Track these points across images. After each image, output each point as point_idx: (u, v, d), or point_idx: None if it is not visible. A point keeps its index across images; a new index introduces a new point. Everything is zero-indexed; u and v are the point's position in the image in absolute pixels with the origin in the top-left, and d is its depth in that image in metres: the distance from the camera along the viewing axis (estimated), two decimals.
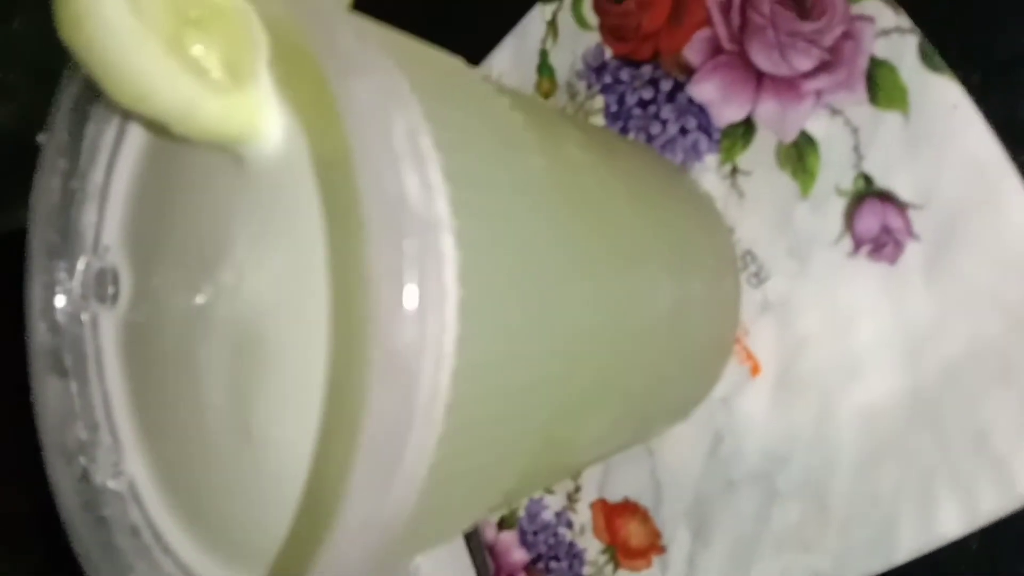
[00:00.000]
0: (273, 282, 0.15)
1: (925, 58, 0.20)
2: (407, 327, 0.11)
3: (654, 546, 0.25)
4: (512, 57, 0.28)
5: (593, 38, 0.26)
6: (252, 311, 0.16)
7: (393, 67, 0.13)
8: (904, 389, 0.20)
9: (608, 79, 0.26)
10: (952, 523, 0.19)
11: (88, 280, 0.19)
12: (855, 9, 0.21)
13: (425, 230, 0.12)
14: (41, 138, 0.18)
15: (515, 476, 0.16)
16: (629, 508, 0.26)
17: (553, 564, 0.27)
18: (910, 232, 0.20)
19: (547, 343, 0.14)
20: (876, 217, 0.21)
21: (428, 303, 0.11)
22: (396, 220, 0.11)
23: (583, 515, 0.27)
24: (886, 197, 0.21)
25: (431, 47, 0.16)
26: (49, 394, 0.18)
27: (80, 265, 0.19)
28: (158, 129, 0.16)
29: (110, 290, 0.19)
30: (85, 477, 0.18)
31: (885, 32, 0.20)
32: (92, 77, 0.14)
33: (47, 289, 0.19)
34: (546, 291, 0.14)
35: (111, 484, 0.18)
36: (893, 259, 0.21)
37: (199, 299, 0.16)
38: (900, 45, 0.20)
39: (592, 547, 0.26)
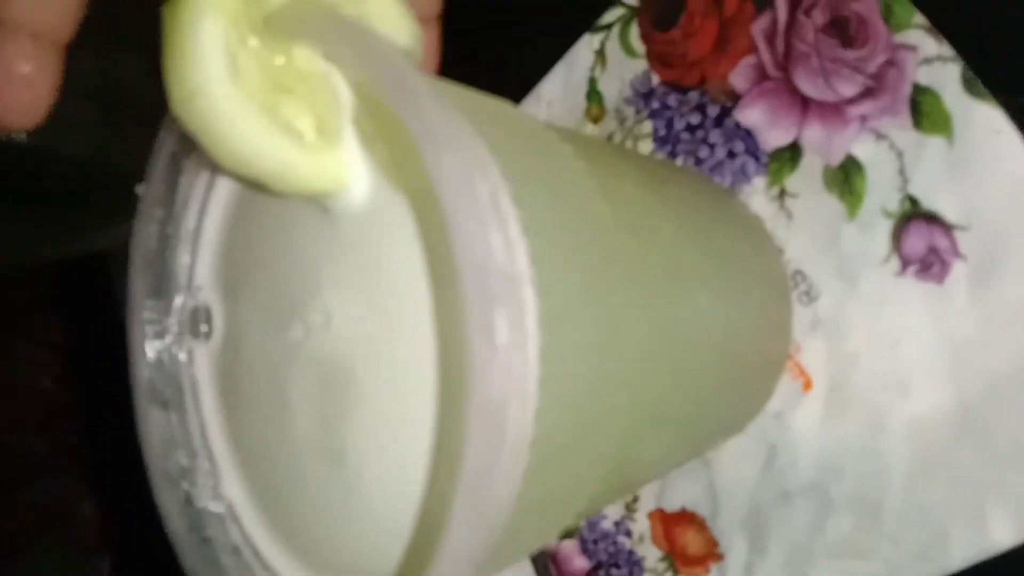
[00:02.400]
0: (361, 324, 0.17)
1: (968, 85, 0.21)
2: (497, 377, 0.12)
3: (712, 554, 0.26)
4: (562, 84, 0.29)
5: (640, 65, 0.27)
6: (341, 350, 0.17)
7: (472, 132, 0.14)
8: (952, 404, 0.21)
9: (656, 104, 0.27)
10: (1004, 533, 0.20)
11: (183, 318, 0.21)
12: (898, 38, 0.22)
13: (509, 284, 0.13)
14: (139, 189, 0.20)
15: (587, 498, 0.17)
16: (686, 517, 0.27)
17: (613, 571, 0.28)
18: (956, 252, 0.21)
19: (616, 376, 0.16)
20: (923, 238, 0.22)
21: (514, 351, 0.13)
22: (485, 278, 0.13)
23: (641, 524, 0.28)
24: (932, 218, 0.22)
25: (495, 98, 0.17)
26: (152, 425, 0.20)
27: (176, 304, 0.21)
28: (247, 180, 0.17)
29: (203, 327, 0.20)
30: (188, 501, 0.20)
31: (928, 60, 0.21)
32: (201, 146, 0.15)
33: (147, 327, 0.20)
34: (614, 328, 0.15)
35: (211, 506, 0.20)
36: (940, 279, 0.21)
37: (289, 336, 0.18)
38: (943, 73, 0.21)
39: (651, 555, 0.27)
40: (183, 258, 0.21)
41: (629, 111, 0.28)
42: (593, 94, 0.29)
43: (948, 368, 0.21)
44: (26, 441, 0.48)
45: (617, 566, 0.28)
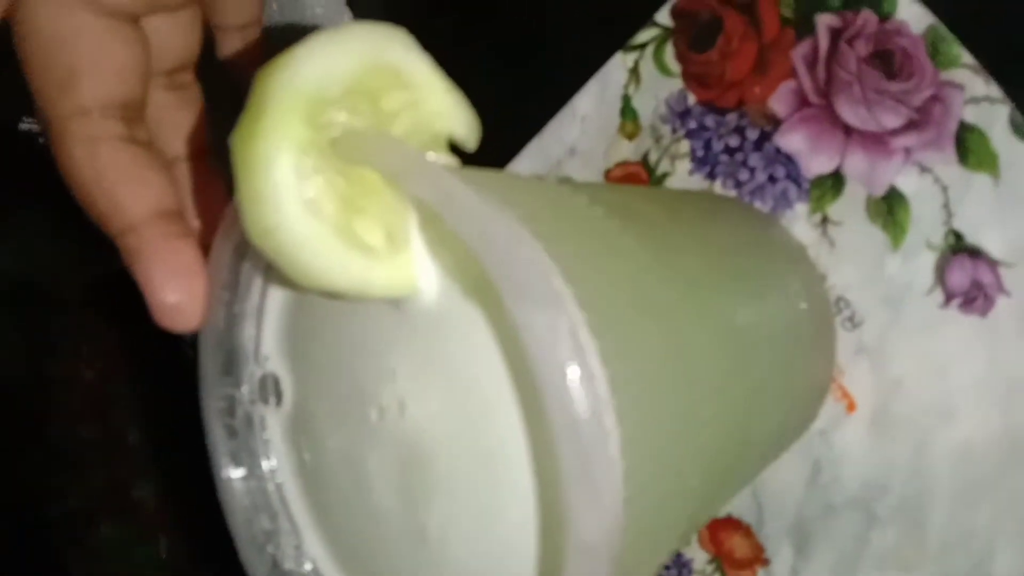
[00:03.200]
0: (436, 413, 0.17)
1: (1016, 128, 0.21)
2: (592, 520, 0.13)
3: (758, 559, 0.27)
4: (596, 99, 0.29)
5: (676, 84, 0.27)
6: (417, 435, 0.18)
7: (550, 264, 0.14)
8: (999, 432, 0.22)
9: (693, 124, 0.27)
10: None
11: (253, 386, 0.21)
12: (944, 75, 0.22)
13: (595, 418, 0.14)
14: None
15: (664, 558, 0.18)
16: (732, 523, 0.28)
17: (663, 572, 0.30)
18: (1001, 288, 0.22)
19: (690, 470, 0.16)
20: (967, 272, 0.22)
21: (604, 485, 0.13)
22: (574, 421, 0.13)
23: None
24: (976, 254, 0.22)
25: (551, 187, 0.18)
26: (234, 493, 0.21)
27: (246, 374, 0.21)
28: None
29: (272, 397, 0.21)
30: (275, 564, 0.21)
31: (975, 100, 0.21)
32: (279, 269, 0.16)
33: (221, 402, 0.21)
34: (688, 429, 0.16)
35: (297, 567, 0.21)
36: (984, 312, 0.22)
37: (364, 416, 0.19)
38: (990, 113, 0.21)
39: (699, 557, 0.29)
40: (249, 331, 0.21)
41: (665, 129, 0.28)
42: (627, 111, 0.28)
43: (996, 397, 0.22)
44: (78, 430, 0.49)
45: (667, 567, 0.30)
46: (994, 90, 0.21)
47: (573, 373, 0.13)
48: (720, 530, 0.28)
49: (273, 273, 0.21)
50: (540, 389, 0.13)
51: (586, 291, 0.15)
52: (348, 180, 0.16)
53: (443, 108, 0.17)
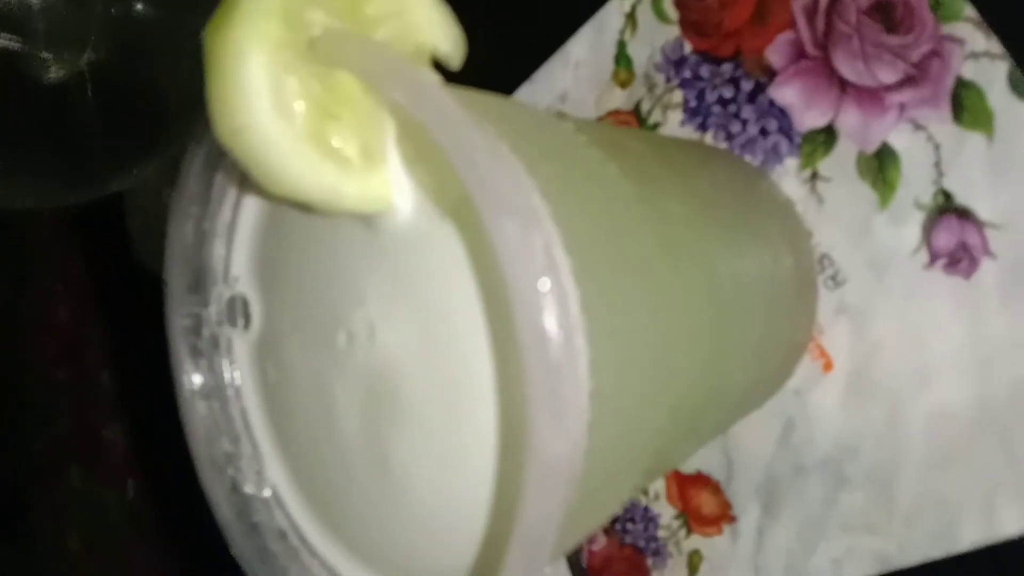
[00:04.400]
0: (406, 341, 0.17)
1: (1014, 85, 0.20)
2: (554, 438, 0.13)
3: (725, 515, 0.27)
4: (589, 46, 0.29)
5: (673, 31, 0.27)
6: (385, 362, 0.17)
7: (525, 180, 0.14)
8: (974, 399, 0.22)
9: (687, 74, 0.26)
10: (1013, 524, 0.21)
11: (221, 307, 0.21)
12: (945, 29, 0.21)
13: (565, 337, 0.13)
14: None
15: (622, 503, 0.18)
16: (701, 480, 0.28)
17: (630, 526, 0.29)
18: (987, 250, 0.21)
19: (659, 404, 0.16)
20: (953, 233, 0.22)
21: (568, 404, 0.13)
22: (542, 335, 0.13)
23: (657, 483, 0.29)
24: (965, 214, 0.22)
25: (535, 110, 0.17)
26: (196, 414, 0.21)
27: (213, 295, 0.21)
28: None
29: (240, 319, 0.21)
30: (234, 487, 0.20)
31: (974, 55, 0.21)
32: (249, 174, 0.15)
33: (187, 320, 0.21)
34: (658, 361, 0.16)
35: (256, 491, 0.21)
36: (968, 274, 0.22)
37: (332, 342, 0.18)
38: (989, 70, 0.20)
39: (666, 512, 0.29)
40: (219, 250, 0.21)
41: (659, 78, 0.27)
42: (622, 58, 0.28)
43: (973, 364, 0.22)
44: (51, 372, 0.49)
45: (633, 521, 0.29)
46: (995, 45, 0.20)
47: (544, 287, 0.13)
48: (689, 486, 0.28)
49: (246, 190, 0.21)
50: (510, 303, 0.13)
51: (563, 211, 0.14)
52: (324, 86, 0.15)
53: (428, 20, 0.17)
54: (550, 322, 0.13)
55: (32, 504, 0.51)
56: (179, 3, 0.35)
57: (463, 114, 0.14)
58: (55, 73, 0.35)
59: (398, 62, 0.15)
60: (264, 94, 0.14)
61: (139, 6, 0.37)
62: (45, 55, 0.35)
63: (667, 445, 0.18)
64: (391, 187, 0.16)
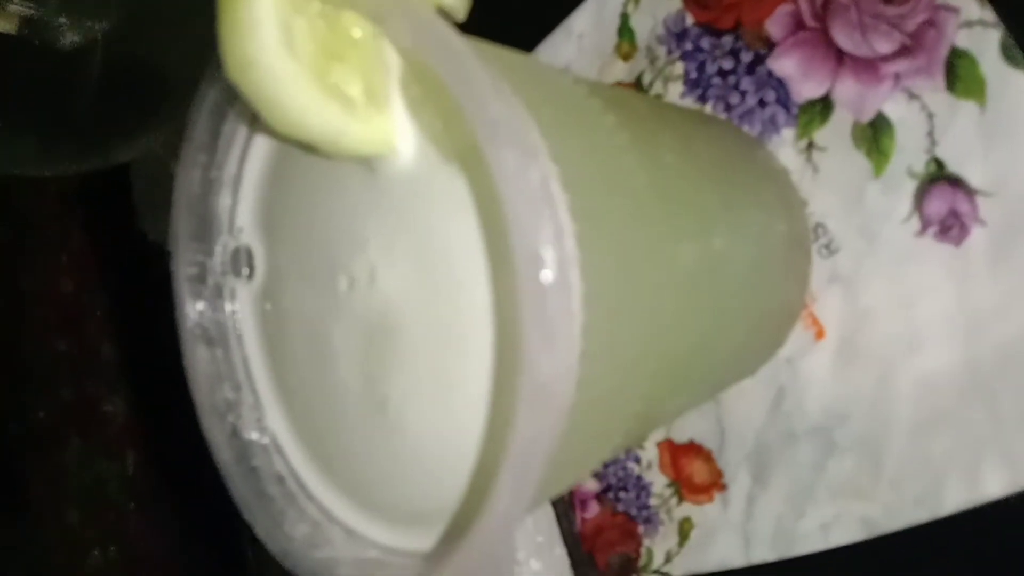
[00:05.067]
0: (406, 284, 0.17)
1: (1007, 53, 0.21)
2: (546, 361, 0.13)
3: (716, 484, 0.28)
4: (593, 18, 0.29)
5: (675, 3, 0.27)
6: (385, 305, 0.18)
7: (525, 117, 0.14)
8: (962, 364, 0.22)
9: (689, 46, 0.27)
10: (996, 486, 0.21)
11: (226, 258, 0.21)
12: None
13: (560, 267, 0.14)
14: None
15: (612, 448, 0.18)
16: (694, 449, 0.28)
17: (622, 494, 0.30)
18: (977, 217, 0.22)
19: (649, 346, 0.16)
20: (945, 201, 0.22)
21: (562, 336, 0.13)
22: (537, 261, 0.13)
23: (650, 452, 0.29)
24: (956, 182, 0.22)
25: (537, 60, 0.17)
26: (198, 361, 0.21)
27: (218, 245, 0.21)
28: None
29: (245, 269, 0.21)
30: (235, 433, 0.21)
31: (968, 24, 0.21)
32: (255, 110, 0.16)
33: (191, 268, 0.21)
34: (648, 300, 0.16)
35: (256, 437, 0.21)
36: (958, 241, 0.22)
37: (333, 287, 0.19)
38: (982, 38, 0.21)
39: (658, 481, 0.29)
40: (225, 200, 0.21)
41: (661, 51, 0.28)
42: (625, 30, 0.28)
43: (962, 329, 0.22)
44: (53, 343, 0.49)
45: (625, 489, 0.30)
46: (988, 14, 0.21)
47: (541, 218, 0.13)
48: (681, 455, 0.28)
49: (252, 141, 0.21)
50: (507, 232, 0.13)
51: (561, 151, 0.15)
52: (331, 27, 0.16)
53: None
54: (544, 248, 0.13)
55: (31, 476, 0.52)
56: None
57: (468, 52, 0.14)
58: (67, 41, 0.35)
59: (406, 2, 0.16)
60: (272, 30, 0.15)
61: None
62: (59, 22, 0.35)
63: (657, 393, 0.18)
64: (394, 130, 0.17)
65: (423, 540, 0.18)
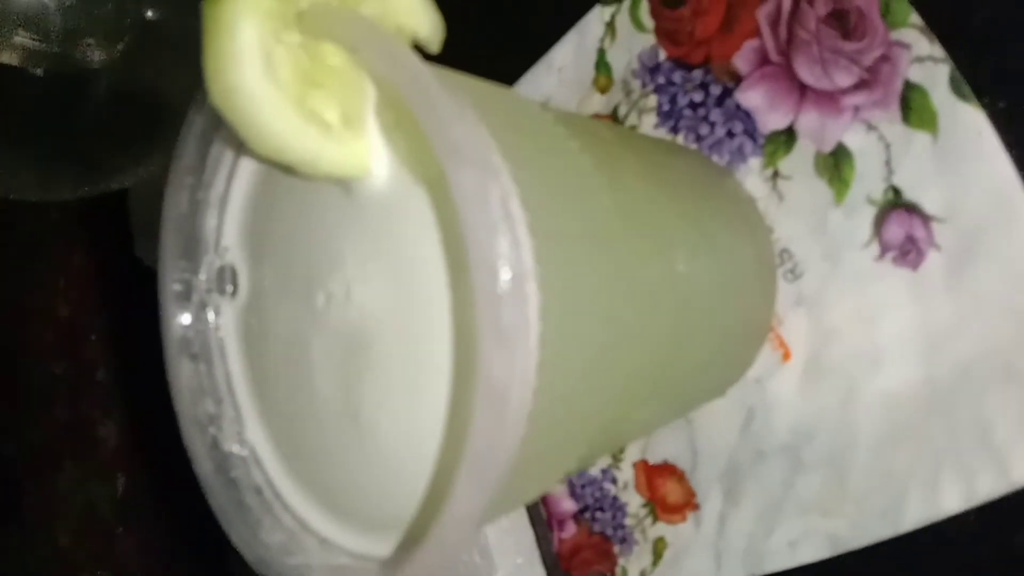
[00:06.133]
0: (379, 299, 0.18)
1: (955, 87, 0.22)
2: (501, 364, 0.14)
3: (689, 503, 0.28)
4: (573, 52, 0.30)
5: (649, 40, 0.28)
6: (360, 319, 0.19)
7: (487, 140, 0.15)
8: (921, 381, 0.23)
9: (661, 79, 0.28)
10: (954, 501, 0.22)
11: (211, 276, 0.22)
12: (894, 35, 0.23)
13: (516, 283, 0.15)
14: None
15: (576, 459, 0.19)
16: (668, 469, 0.29)
17: (598, 514, 0.30)
18: (932, 242, 0.23)
19: (609, 358, 0.17)
20: (902, 227, 0.23)
21: (517, 341, 0.14)
22: (493, 279, 0.14)
23: (626, 473, 0.30)
24: (912, 209, 0.23)
25: (507, 90, 0.19)
26: (183, 375, 0.22)
27: (204, 263, 0.22)
28: None
29: (229, 286, 0.22)
30: (215, 445, 0.22)
31: (920, 59, 0.22)
32: (237, 134, 0.17)
33: (177, 285, 0.22)
34: (610, 315, 0.17)
35: (236, 449, 0.22)
36: (915, 266, 0.23)
37: (312, 303, 0.20)
38: (933, 72, 0.22)
39: (633, 501, 0.30)
40: (211, 221, 0.22)
41: (635, 84, 0.29)
42: (602, 64, 0.29)
43: (920, 348, 0.23)
44: (48, 364, 0.50)
45: (602, 510, 0.30)
46: (937, 50, 0.22)
47: (498, 233, 0.14)
48: (656, 475, 0.29)
49: (238, 165, 0.22)
50: (466, 247, 0.14)
51: (522, 172, 0.16)
52: (311, 56, 0.17)
53: (409, 2, 0.18)
54: (500, 260, 0.14)
55: (25, 496, 0.52)
56: (186, 8, 0.37)
57: (434, 81, 0.15)
58: (69, 71, 0.37)
59: (379, 34, 0.17)
60: (254, 57, 0.16)
61: (149, 13, 0.39)
62: (60, 54, 0.37)
63: (620, 405, 0.19)
64: (369, 154, 0.18)
65: (391, 546, 0.19)
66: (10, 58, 0.37)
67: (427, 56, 0.19)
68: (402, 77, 0.16)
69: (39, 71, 0.38)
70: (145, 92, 0.39)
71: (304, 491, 0.21)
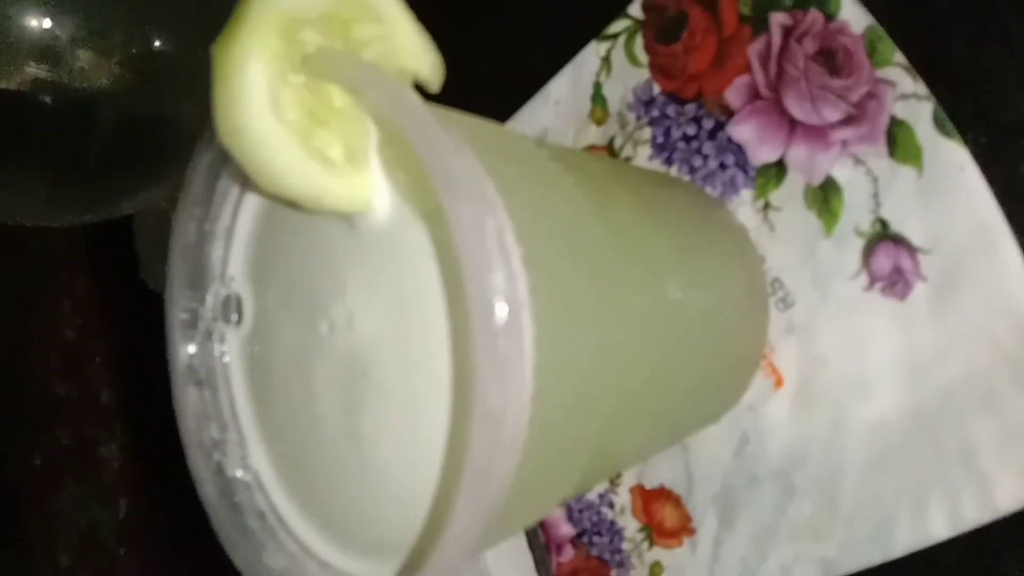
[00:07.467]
0: (380, 327, 0.19)
1: (938, 123, 0.22)
2: (497, 393, 0.15)
3: (685, 528, 0.29)
4: (570, 85, 0.31)
5: (643, 74, 0.29)
6: (362, 347, 0.19)
7: (483, 176, 0.16)
8: (907, 407, 0.23)
9: (656, 113, 0.29)
10: (941, 527, 0.23)
11: (217, 305, 0.23)
12: (879, 73, 0.23)
13: (512, 311, 0.15)
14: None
15: (572, 485, 0.19)
16: (664, 494, 0.29)
17: (596, 539, 0.31)
18: (919, 273, 0.23)
19: (602, 385, 0.18)
20: (889, 258, 0.24)
21: (512, 371, 0.15)
22: (489, 304, 0.15)
23: (623, 498, 0.30)
24: (899, 241, 0.24)
25: (502, 127, 0.19)
26: (188, 401, 0.22)
27: (210, 292, 0.23)
28: None
29: (234, 315, 0.23)
30: (220, 470, 0.22)
31: (904, 96, 0.23)
32: (244, 171, 0.17)
33: (184, 314, 0.23)
34: (602, 344, 0.18)
35: (240, 475, 0.22)
36: (903, 296, 0.24)
37: (315, 330, 0.20)
38: (917, 109, 0.23)
39: (630, 526, 0.30)
40: (217, 251, 0.23)
41: (631, 116, 0.30)
42: (598, 98, 0.30)
43: (906, 375, 0.23)
44: (52, 386, 0.50)
45: (599, 534, 0.31)
46: (921, 87, 0.23)
47: (494, 266, 0.15)
48: (652, 500, 0.30)
49: (244, 197, 0.23)
50: (463, 280, 0.15)
51: (517, 207, 0.16)
52: (315, 96, 0.18)
53: (410, 45, 0.19)
54: (496, 292, 0.15)
55: (26, 517, 0.52)
56: (192, 39, 0.38)
57: (433, 120, 0.16)
58: (77, 99, 0.38)
59: (381, 76, 0.17)
60: (260, 98, 0.17)
61: (157, 43, 0.40)
62: (69, 83, 0.38)
63: (613, 431, 0.20)
64: (371, 189, 0.19)
65: (391, 570, 0.19)
66: (20, 86, 0.38)
67: (428, 94, 0.20)
68: (402, 117, 0.16)
69: (48, 99, 0.39)
70: (151, 120, 0.40)
71: (305, 515, 0.22)
